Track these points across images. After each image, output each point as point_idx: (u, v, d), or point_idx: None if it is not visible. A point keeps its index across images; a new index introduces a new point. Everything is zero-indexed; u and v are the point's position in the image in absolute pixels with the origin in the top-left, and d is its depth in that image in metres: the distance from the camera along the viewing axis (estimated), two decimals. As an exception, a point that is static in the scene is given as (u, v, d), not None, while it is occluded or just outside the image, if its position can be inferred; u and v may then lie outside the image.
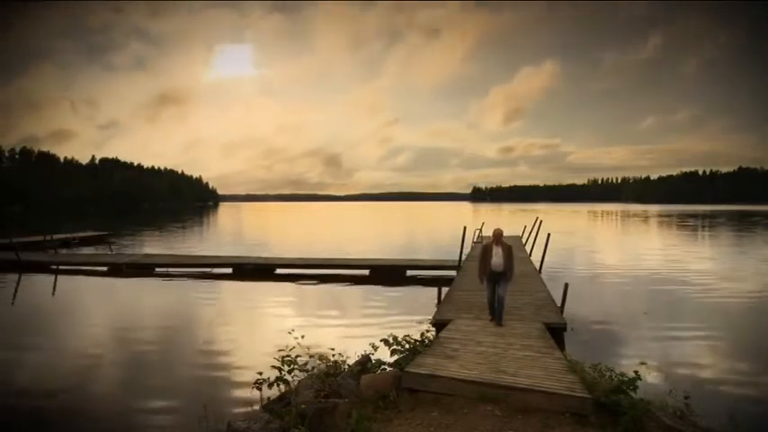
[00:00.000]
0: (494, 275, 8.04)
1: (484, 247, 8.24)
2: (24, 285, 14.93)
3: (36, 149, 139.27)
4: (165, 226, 48.80)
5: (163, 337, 9.39)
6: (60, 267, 17.90)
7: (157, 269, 17.46)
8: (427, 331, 7.56)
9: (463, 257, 16.20)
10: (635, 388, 5.00)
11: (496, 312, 7.97)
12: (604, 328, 9.80)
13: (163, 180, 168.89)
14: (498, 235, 8.10)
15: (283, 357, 5.49)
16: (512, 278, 8.20)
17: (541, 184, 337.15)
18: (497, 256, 8.00)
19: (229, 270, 17.04)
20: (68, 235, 28.24)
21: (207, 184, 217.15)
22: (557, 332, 7.75)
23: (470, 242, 21.06)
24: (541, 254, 15.99)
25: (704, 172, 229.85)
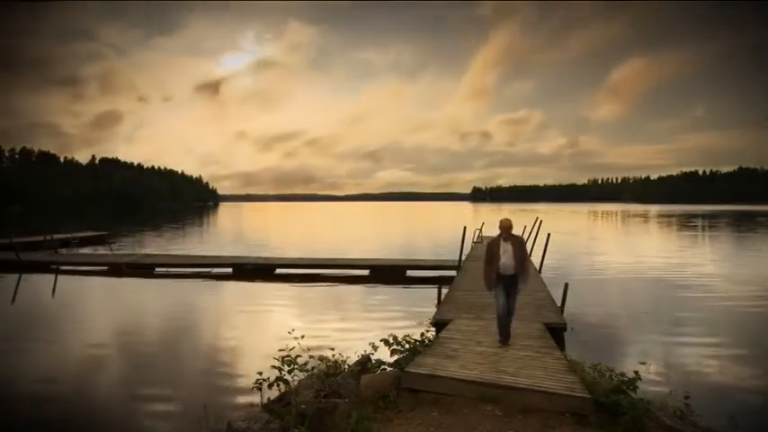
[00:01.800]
0: (504, 280, 6.39)
1: (489, 245, 6.57)
2: (24, 285, 14.93)
3: (36, 149, 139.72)
4: (165, 226, 48.80)
5: (163, 338, 9.39)
6: (60, 267, 17.89)
7: (157, 269, 17.46)
8: (427, 331, 7.55)
9: (463, 257, 16.21)
10: (635, 388, 4.99)
11: (504, 326, 6.54)
12: (604, 328, 9.79)
13: (163, 180, 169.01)
14: (507, 227, 6.36)
15: (283, 357, 5.48)
16: (527, 282, 6.55)
17: (541, 184, 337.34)
18: (507, 255, 6.33)
19: (229, 270, 17.04)
20: (68, 235, 28.22)
21: (207, 184, 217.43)
22: (557, 332, 7.74)
23: (470, 242, 21.06)
24: (541, 254, 16.01)
25: (704, 172, 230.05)
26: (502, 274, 6.38)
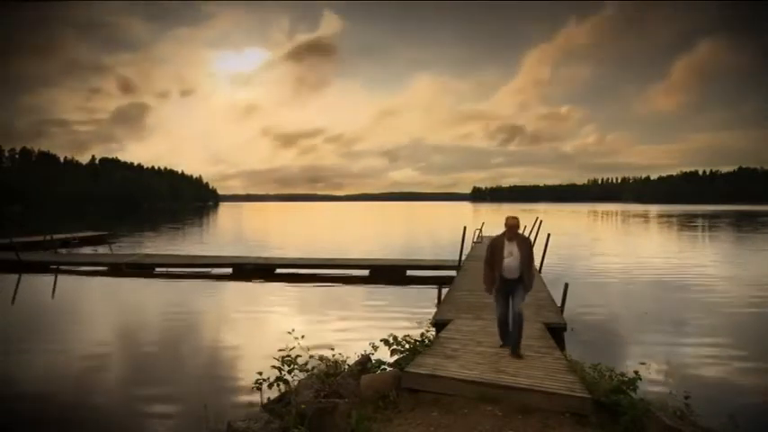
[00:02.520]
0: (506, 284, 5.87)
1: (492, 245, 6.03)
2: (24, 285, 14.93)
3: (36, 149, 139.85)
4: (165, 226, 48.78)
5: (163, 338, 9.39)
6: (60, 267, 17.89)
7: (157, 269, 17.45)
8: (427, 331, 7.54)
9: (463, 257, 16.21)
10: (635, 388, 4.99)
11: (512, 336, 5.90)
12: (604, 328, 9.79)
13: (163, 180, 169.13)
14: (513, 225, 5.84)
15: (283, 357, 5.48)
16: (531, 287, 5.98)
17: (542, 185, 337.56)
18: (512, 257, 5.77)
19: (229, 270, 17.03)
20: (68, 235, 28.18)
21: (207, 183, 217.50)
22: (557, 332, 7.73)
23: (470, 242, 21.04)
24: (542, 254, 15.99)
25: (704, 172, 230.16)
26: (505, 277, 5.87)
